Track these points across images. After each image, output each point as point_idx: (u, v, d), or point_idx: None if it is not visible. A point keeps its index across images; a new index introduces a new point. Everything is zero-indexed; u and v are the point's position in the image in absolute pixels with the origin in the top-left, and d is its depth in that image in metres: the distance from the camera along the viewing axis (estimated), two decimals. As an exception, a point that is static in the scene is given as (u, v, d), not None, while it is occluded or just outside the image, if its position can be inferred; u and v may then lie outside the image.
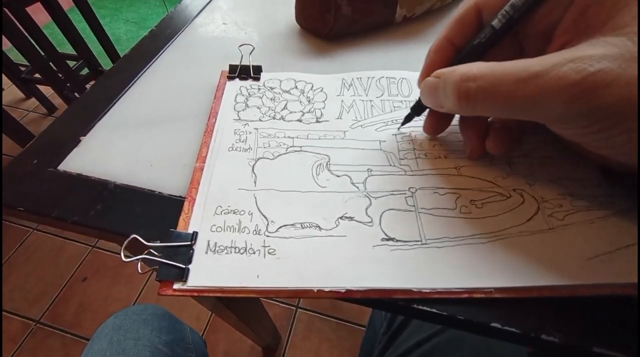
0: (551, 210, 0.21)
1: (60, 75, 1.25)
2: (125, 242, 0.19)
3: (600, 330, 0.18)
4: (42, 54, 1.16)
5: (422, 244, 0.20)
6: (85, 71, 1.39)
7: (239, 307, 0.58)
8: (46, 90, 1.52)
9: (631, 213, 0.20)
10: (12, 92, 1.64)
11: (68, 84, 1.28)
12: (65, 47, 1.35)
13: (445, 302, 0.19)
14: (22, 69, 1.41)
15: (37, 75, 1.38)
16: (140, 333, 0.46)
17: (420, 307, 0.19)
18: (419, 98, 0.24)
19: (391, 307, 0.20)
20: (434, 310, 0.19)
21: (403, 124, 0.26)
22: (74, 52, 1.34)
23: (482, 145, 0.23)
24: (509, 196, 0.22)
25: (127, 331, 0.46)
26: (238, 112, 0.28)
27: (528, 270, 0.19)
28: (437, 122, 0.25)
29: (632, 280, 0.18)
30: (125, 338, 0.45)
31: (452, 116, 0.25)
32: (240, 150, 0.25)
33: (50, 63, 1.21)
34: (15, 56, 1.33)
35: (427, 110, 0.25)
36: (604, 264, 0.18)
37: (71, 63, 1.32)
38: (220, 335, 0.99)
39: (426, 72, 0.23)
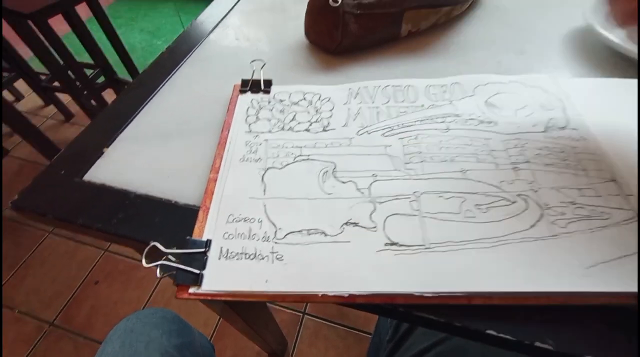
0: (554, 217, 0.21)
1: (78, 84, 1.29)
2: (146, 250, 0.21)
3: (593, 338, 0.19)
4: (61, 63, 1.21)
5: (426, 248, 0.21)
6: (101, 79, 1.43)
7: (246, 311, 0.59)
8: (64, 98, 1.57)
9: (628, 224, 0.21)
10: (32, 99, 1.70)
11: (85, 92, 1.32)
12: (83, 56, 1.39)
13: (443, 309, 0.20)
14: (42, 77, 1.46)
15: (56, 83, 1.43)
16: (151, 336, 0.47)
17: (418, 313, 0.20)
18: None
19: (391, 313, 0.21)
20: (432, 317, 0.20)
21: None
22: (91, 61, 1.38)
23: None
24: (513, 201, 0.22)
25: (138, 334, 0.47)
26: (249, 124, 0.29)
27: (529, 276, 0.19)
28: None
29: (628, 289, 0.18)
30: (137, 341, 0.46)
31: None
32: (251, 161, 0.26)
33: (69, 72, 1.25)
34: (37, 65, 1.38)
35: None
36: (602, 273, 0.19)
37: (88, 71, 1.36)
38: (227, 341, 1.00)
39: None
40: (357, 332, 1.00)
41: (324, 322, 1.02)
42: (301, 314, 1.04)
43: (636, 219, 0.21)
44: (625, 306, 0.19)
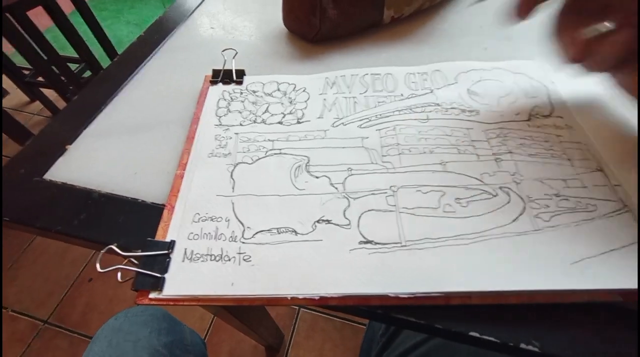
0: (537, 210, 0.20)
1: (63, 78, 1.26)
2: (101, 253, 0.19)
3: (581, 339, 0.18)
4: (44, 57, 1.17)
5: (402, 246, 0.20)
6: (87, 73, 1.40)
7: (239, 309, 0.58)
8: (50, 93, 1.53)
9: (614, 216, 0.20)
10: (17, 96, 1.66)
11: (71, 87, 1.29)
12: (68, 50, 1.36)
13: (423, 310, 0.19)
14: (26, 72, 1.43)
15: (40, 78, 1.40)
16: (139, 335, 0.46)
17: (398, 315, 0.19)
18: None
19: (369, 314, 0.19)
20: (412, 319, 0.19)
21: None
22: (76, 55, 1.35)
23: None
24: (495, 195, 0.21)
25: (126, 333, 0.46)
26: (219, 117, 0.27)
27: (510, 274, 0.18)
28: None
29: (615, 286, 0.17)
30: (125, 340, 0.45)
31: None
32: (220, 156, 0.25)
33: (53, 66, 1.22)
34: (19, 60, 1.35)
35: None
36: (586, 270, 0.18)
37: (73, 66, 1.33)
38: (224, 335, 0.99)
39: None
40: (354, 324, 0.99)
41: (321, 314, 1.02)
42: (297, 307, 1.04)
43: (623, 210, 0.20)
44: (613, 303, 0.18)
